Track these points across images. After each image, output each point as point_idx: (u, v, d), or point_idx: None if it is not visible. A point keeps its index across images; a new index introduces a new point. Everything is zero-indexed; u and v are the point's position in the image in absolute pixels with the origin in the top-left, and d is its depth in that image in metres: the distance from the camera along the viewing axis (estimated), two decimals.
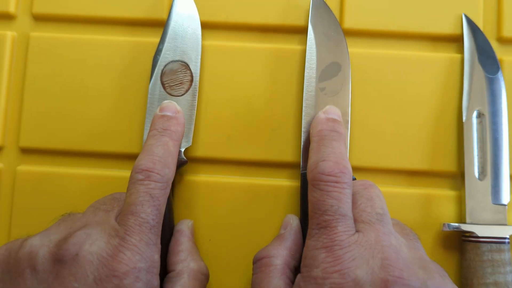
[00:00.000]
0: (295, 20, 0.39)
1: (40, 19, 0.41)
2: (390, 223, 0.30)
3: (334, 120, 0.33)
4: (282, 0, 0.40)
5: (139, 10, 0.40)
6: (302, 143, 0.36)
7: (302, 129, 0.35)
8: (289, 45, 0.39)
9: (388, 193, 0.37)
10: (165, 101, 0.35)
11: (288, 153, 0.38)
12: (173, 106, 0.34)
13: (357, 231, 0.29)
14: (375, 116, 0.38)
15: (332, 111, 0.34)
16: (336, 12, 0.39)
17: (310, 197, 0.30)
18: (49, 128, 0.39)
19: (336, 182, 0.29)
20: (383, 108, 0.38)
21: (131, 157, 0.38)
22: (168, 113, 0.34)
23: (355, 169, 0.38)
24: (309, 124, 0.35)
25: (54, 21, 0.41)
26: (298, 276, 0.29)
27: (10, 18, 0.41)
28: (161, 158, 0.30)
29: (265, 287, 0.30)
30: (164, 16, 0.39)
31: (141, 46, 0.39)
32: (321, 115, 0.34)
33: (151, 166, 0.30)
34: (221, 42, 0.39)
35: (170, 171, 0.31)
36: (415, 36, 0.40)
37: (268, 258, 0.31)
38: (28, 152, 0.40)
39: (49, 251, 0.28)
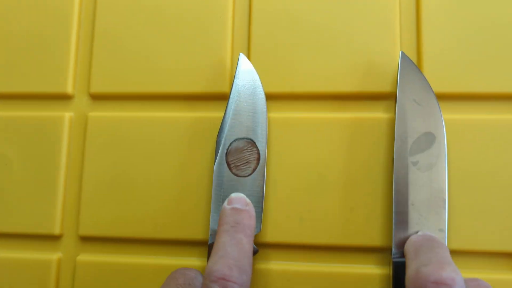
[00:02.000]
0: (375, 85, 0.36)
1: (98, 98, 0.39)
2: None
3: (431, 237, 0.31)
4: (359, 66, 0.36)
5: (199, 84, 0.37)
6: (393, 225, 0.32)
7: (394, 209, 0.32)
8: (370, 113, 0.36)
9: (492, 280, 0.30)
10: (234, 193, 0.33)
11: (372, 235, 0.34)
12: (242, 198, 0.33)
13: None
14: (476, 193, 0.34)
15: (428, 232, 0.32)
16: None
17: None
18: (109, 214, 0.37)
19: None
20: (485, 184, 0.34)
21: (197, 244, 0.36)
22: (238, 206, 0.32)
23: (453, 253, 0.32)
24: (402, 204, 0.32)
25: (112, 99, 0.39)
26: None
27: (67, 98, 0.39)
28: (237, 262, 0.28)
29: None
30: (226, 89, 0.37)
31: (203, 121, 0.37)
32: (419, 233, 0.32)
33: (228, 272, 0.27)
34: (289, 114, 0.36)
35: (247, 277, 0.28)
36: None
37: None
38: (88, 240, 0.37)
39: None
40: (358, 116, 0.35)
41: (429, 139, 0.33)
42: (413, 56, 0.36)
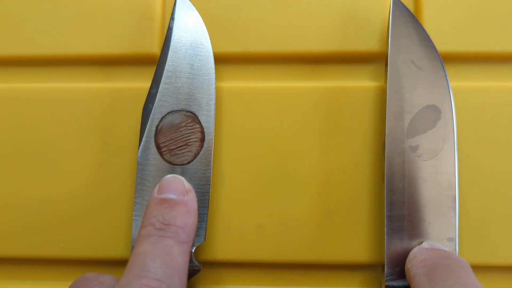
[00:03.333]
0: (359, 43, 0.30)
1: None
2: None
3: (445, 252, 0.26)
4: (339, 17, 0.31)
5: (118, 43, 0.31)
6: (386, 234, 0.27)
7: (386, 212, 0.27)
8: (354, 81, 0.31)
9: None
10: (167, 176, 0.27)
11: (356, 249, 0.29)
12: (178, 183, 0.27)
13: None
14: (494, 189, 0.29)
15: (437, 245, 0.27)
16: None
17: None
18: None
19: None
20: (505, 175, 0.29)
21: (115, 264, 0.30)
22: (172, 196, 0.26)
23: None
24: (397, 205, 0.28)
25: None
26: None
27: None
28: (161, 283, 0.22)
29: None
30: (156, 50, 0.31)
31: (124, 94, 0.31)
32: (424, 245, 0.27)
33: None
34: (245, 83, 0.31)
35: None
36: None
37: None
38: None
39: None
40: (338, 85, 0.30)
41: (433, 115, 0.28)
42: (409, 3, 0.31)
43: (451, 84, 0.28)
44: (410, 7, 0.31)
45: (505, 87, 0.30)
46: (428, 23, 0.31)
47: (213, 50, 0.30)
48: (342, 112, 0.29)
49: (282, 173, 0.29)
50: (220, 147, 0.30)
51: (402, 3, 0.29)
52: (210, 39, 0.30)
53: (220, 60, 0.31)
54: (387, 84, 0.28)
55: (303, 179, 0.29)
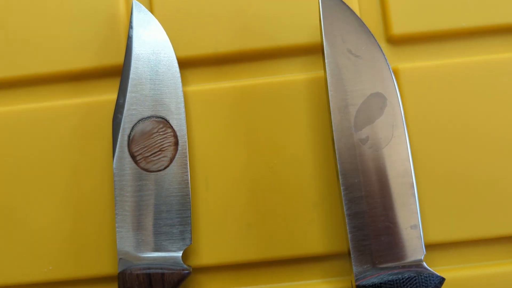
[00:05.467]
0: (291, 37, 0.28)
1: None
2: None
3: None
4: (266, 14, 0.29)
5: (83, 57, 0.28)
6: (349, 234, 0.24)
7: (346, 211, 0.24)
8: (303, 74, 0.28)
9: (483, 276, 0.26)
10: None
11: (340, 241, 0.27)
12: None
13: None
14: (448, 170, 0.27)
15: None
16: None
17: None
18: None
19: None
20: (458, 155, 0.27)
21: (104, 282, 0.27)
22: None
23: (428, 246, 0.26)
24: (353, 202, 0.25)
25: None
26: None
27: None
28: None
29: None
30: (120, 60, 0.28)
31: (94, 108, 0.28)
32: None
33: None
34: (215, 84, 0.29)
35: None
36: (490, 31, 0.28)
37: None
38: None
39: None
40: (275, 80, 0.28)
41: (379, 103, 0.25)
42: None
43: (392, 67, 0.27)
44: None
45: (446, 64, 0.28)
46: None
47: (182, 54, 0.28)
48: (304, 103, 0.28)
49: (264, 169, 0.27)
50: (194, 148, 0.27)
51: None
52: (177, 44, 0.28)
53: (190, 63, 0.28)
54: (327, 78, 0.25)
55: (284, 173, 0.27)
